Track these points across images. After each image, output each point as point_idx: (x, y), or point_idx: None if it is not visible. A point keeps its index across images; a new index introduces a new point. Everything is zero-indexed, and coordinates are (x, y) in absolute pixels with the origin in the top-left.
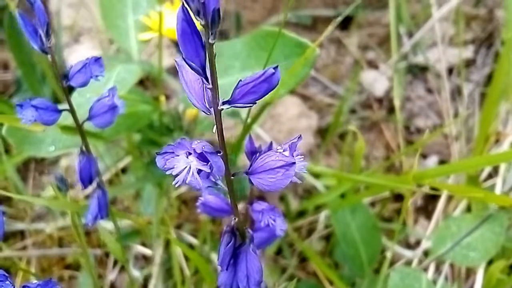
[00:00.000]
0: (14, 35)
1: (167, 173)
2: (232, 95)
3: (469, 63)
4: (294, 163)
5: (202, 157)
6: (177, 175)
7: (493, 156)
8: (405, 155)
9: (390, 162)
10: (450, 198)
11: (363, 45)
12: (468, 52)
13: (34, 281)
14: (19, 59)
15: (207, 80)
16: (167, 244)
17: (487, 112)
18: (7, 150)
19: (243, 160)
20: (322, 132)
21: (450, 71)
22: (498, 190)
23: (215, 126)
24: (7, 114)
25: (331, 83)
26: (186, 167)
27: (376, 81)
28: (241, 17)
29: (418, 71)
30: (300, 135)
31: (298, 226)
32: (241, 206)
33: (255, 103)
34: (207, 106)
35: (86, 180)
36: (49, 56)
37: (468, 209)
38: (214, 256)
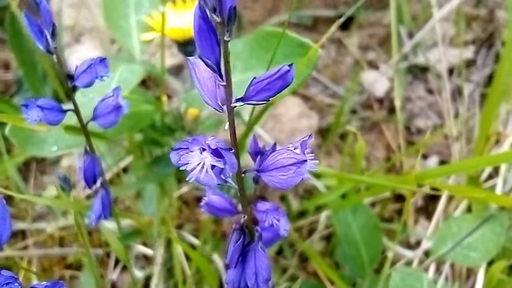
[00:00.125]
0: (15, 35)
1: (181, 168)
2: (246, 92)
3: (470, 64)
4: (305, 160)
5: (215, 153)
6: (191, 170)
7: (494, 157)
8: (406, 155)
9: (391, 162)
10: (450, 199)
11: (364, 45)
12: (468, 53)
13: (43, 282)
14: (21, 59)
15: (221, 77)
16: (168, 244)
17: (487, 113)
18: (8, 150)
19: (245, 160)
20: (322, 132)
21: (450, 71)
22: (498, 190)
23: (227, 124)
24: (8, 113)
25: (331, 83)
26: (200, 163)
27: (377, 82)
28: (241, 17)
29: (418, 72)
30: (311, 134)
31: (299, 226)
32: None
33: (269, 100)
34: (220, 104)
35: (90, 180)
36: (54, 56)
37: (469, 209)
38: (215, 256)
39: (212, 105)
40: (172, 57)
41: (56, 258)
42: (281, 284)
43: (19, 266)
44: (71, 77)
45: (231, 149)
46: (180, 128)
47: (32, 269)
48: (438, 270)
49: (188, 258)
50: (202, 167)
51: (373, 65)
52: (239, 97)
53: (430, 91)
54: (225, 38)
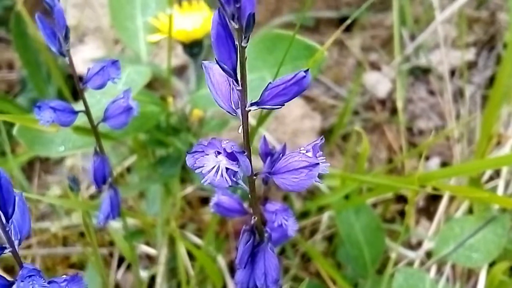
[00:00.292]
0: (20, 35)
1: (196, 171)
2: (261, 96)
3: (471, 66)
4: (318, 164)
5: (230, 156)
6: (206, 173)
7: (497, 159)
8: (407, 156)
9: (394, 164)
10: (451, 200)
11: (366, 47)
12: (470, 55)
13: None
14: (25, 59)
15: (237, 82)
16: (172, 244)
17: (489, 114)
18: (12, 150)
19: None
20: (325, 133)
21: (452, 73)
22: (500, 192)
23: (240, 127)
24: (12, 113)
25: (334, 85)
26: (215, 166)
27: (379, 83)
28: None
29: (420, 73)
30: (323, 137)
31: (301, 227)
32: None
33: (283, 105)
34: (233, 107)
35: (100, 180)
36: (67, 58)
37: (470, 211)
38: (218, 257)
39: (226, 108)
40: (175, 58)
41: (59, 257)
42: (283, 284)
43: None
44: (82, 79)
45: (244, 152)
46: (185, 129)
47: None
48: (440, 271)
49: (191, 258)
50: (217, 170)
51: (375, 67)
52: (254, 101)
53: (431, 93)
54: (243, 44)
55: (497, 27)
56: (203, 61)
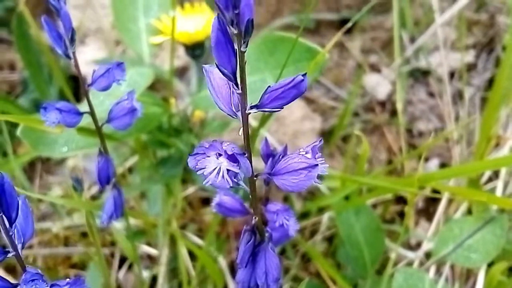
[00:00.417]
0: (22, 36)
1: (198, 173)
2: (260, 100)
3: (471, 68)
4: (317, 165)
5: (231, 158)
6: (208, 175)
7: (496, 160)
8: (407, 158)
9: (393, 165)
10: (450, 201)
11: (366, 49)
12: (469, 57)
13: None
14: (27, 60)
15: (237, 86)
16: (173, 244)
17: (488, 116)
18: (14, 150)
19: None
20: (325, 135)
21: (451, 75)
22: (498, 193)
23: (241, 129)
24: (13, 114)
25: (334, 87)
26: (216, 167)
27: (379, 85)
28: None
29: (420, 75)
30: (321, 139)
31: (302, 227)
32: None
33: (282, 107)
34: (234, 110)
35: (104, 181)
36: (72, 61)
37: (469, 211)
38: (219, 257)
39: (226, 111)
40: (177, 59)
41: (61, 258)
42: (284, 284)
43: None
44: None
45: (244, 154)
46: (187, 130)
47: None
48: (439, 271)
49: (192, 258)
50: (219, 171)
51: (375, 69)
52: (253, 104)
53: (431, 95)
54: (242, 49)
55: (496, 29)
56: (203, 65)
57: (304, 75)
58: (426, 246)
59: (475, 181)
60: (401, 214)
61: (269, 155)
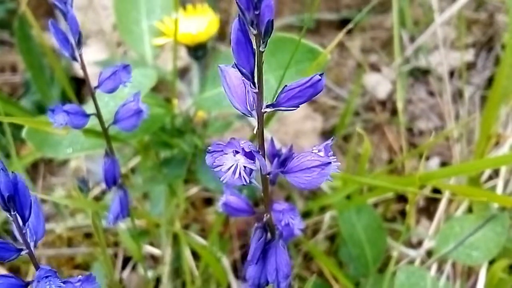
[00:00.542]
0: (24, 38)
1: (215, 170)
2: (277, 98)
3: (470, 66)
4: (329, 163)
5: (248, 155)
6: (225, 172)
7: (496, 159)
8: (408, 157)
9: (394, 164)
10: (451, 199)
11: (366, 48)
12: (469, 56)
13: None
14: (29, 62)
15: (254, 85)
16: (176, 244)
17: (487, 115)
18: (16, 152)
19: None
20: (326, 134)
21: (451, 74)
22: (499, 191)
23: (255, 128)
24: (16, 116)
25: (334, 86)
26: (233, 164)
27: (379, 84)
28: None
29: (420, 74)
30: (334, 137)
31: (304, 227)
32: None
33: (298, 106)
34: (249, 109)
35: (111, 181)
36: (79, 63)
37: (470, 210)
38: (222, 257)
39: (241, 110)
40: (178, 60)
41: (64, 258)
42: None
43: (28, 265)
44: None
45: (259, 152)
46: (190, 131)
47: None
48: (440, 269)
49: (195, 258)
50: (236, 168)
51: (375, 68)
52: (269, 103)
53: (431, 94)
54: (261, 49)
55: (495, 28)
56: (219, 65)
57: (321, 74)
58: (427, 244)
59: (475, 179)
60: (402, 213)
61: (275, 154)
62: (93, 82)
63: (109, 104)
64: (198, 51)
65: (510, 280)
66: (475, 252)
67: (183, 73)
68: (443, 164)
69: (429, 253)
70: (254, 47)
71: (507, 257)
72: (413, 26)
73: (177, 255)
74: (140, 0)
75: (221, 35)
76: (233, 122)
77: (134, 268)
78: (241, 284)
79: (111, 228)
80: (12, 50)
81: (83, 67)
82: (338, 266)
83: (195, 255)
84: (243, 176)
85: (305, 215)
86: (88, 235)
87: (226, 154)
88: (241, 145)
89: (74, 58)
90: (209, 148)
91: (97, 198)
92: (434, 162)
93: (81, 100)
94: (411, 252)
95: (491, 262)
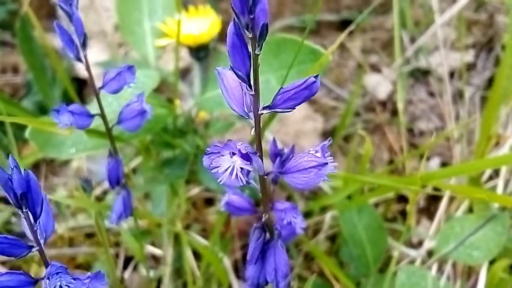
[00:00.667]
0: (26, 39)
1: (212, 171)
2: (273, 100)
3: (470, 67)
4: (326, 163)
5: (245, 157)
6: (222, 173)
7: (497, 158)
8: (408, 157)
9: (395, 164)
10: (451, 200)
11: (367, 49)
12: (469, 56)
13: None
14: (30, 63)
15: (250, 87)
16: (177, 244)
17: (488, 115)
18: (18, 152)
19: None
20: (327, 135)
21: (451, 75)
22: (499, 191)
23: (253, 129)
24: (18, 116)
25: (335, 87)
26: (230, 166)
27: (380, 85)
28: None
29: (420, 75)
30: (330, 138)
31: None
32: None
33: (294, 108)
34: (246, 111)
35: (114, 181)
36: (84, 64)
37: (470, 210)
38: (223, 257)
39: (239, 112)
40: (180, 61)
41: (66, 258)
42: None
43: (29, 265)
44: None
45: (256, 153)
46: (192, 131)
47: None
48: (441, 269)
49: (197, 258)
50: (232, 169)
51: (375, 69)
52: (266, 105)
53: (431, 94)
54: (256, 52)
55: (495, 29)
56: (216, 67)
57: (316, 76)
58: (428, 244)
59: (476, 179)
60: (403, 213)
61: (276, 154)
62: (96, 82)
63: (113, 104)
64: (200, 52)
65: (511, 280)
66: (476, 252)
67: (185, 74)
68: (444, 164)
69: (430, 253)
70: (250, 50)
71: (508, 257)
72: (413, 27)
73: (179, 255)
74: (142, 1)
75: (223, 36)
76: (235, 123)
77: (135, 268)
78: (242, 284)
79: (113, 228)
80: (14, 51)
81: (88, 68)
82: (339, 266)
83: (197, 255)
84: (240, 177)
85: (306, 215)
86: (89, 235)
87: (223, 155)
88: (237, 146)
89: (79, 59)
90: (207, 149)
91: (98, 198)
92: (435, 162)
93: (82, 100)
94: (412, 252)
95: (491, 262)
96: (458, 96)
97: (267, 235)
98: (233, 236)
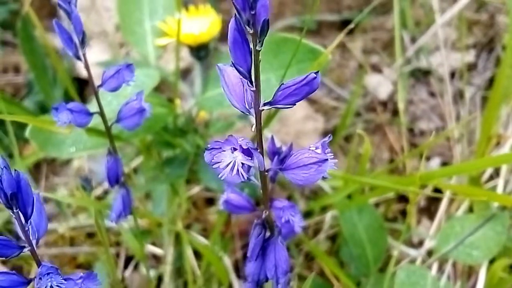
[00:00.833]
0: (27, 39)
1: (214, 167)
2: (274, 96)
3: (471, 67)
4: (326, 159)
5: (246, 152)
6: (223, 168)
7: (497, 158)
8: (409, 157)
9: (395, 164)
10: (452, 199)
11: (367, 49)
12: (470, 57)
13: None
14: (32, 62)
15: (251, 83)
16: (178, 244)
17: (488, 115)
18: (19, 152)
19: None
20: (327, 135)
21: (452, 75)
22: (499, 190)
23: (254, 126)
24: (19, 116)
25: (336, 87)
26: (231, 161)
27: (380, 85)
28: None
29: (421, 75)
30: (330, 135)
31: (305, 226)
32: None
33: (295, 104)
34: (247, 107)
35: (113, 180)
36: (83, 62)
37: (470, 209)
38: (224, 257)
39: (240, 108)
40: (180, 61)
41: (66, 258)
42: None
43: (30, 265)
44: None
45: (257, 149)
46: (192, 130)
47: None
48: (441, 269)
49: (197, 257)
50: (233, 165)
51: (376, 69)
52: (267, 101)
53: (432, 94)
54: (257, 48)
55: (496, 29)
56: (217, 64)
57: (316, 73)
58: (428, 244)
59: (476, 179)
60: (403, 213)
61: (275, 152)
62: (96, 82)
63: (112, 103)
64: (200, 51)
65: (510, 279)
66: (476, 251)
67: (185, 73)
68: (444, 164)
69: (430, 253)
70: (251, 46)
71: (507, 256)
72: (414, 27)
73: (179, 255)
74: (143, 1)
75: (223, 36)
76: (235, 122)
77: (136, 267)
78: (242, 283)
79: (113, 227)
80: (15, 51)
81: (87, 66)
82: (339, 266)
83: (197, 254)
84: (241, 173)
85: (307, 215)
86: (90, 235)
87: (224, 151)
88: (239, 142)
89: (78, 58)
90: (208, 145)
91: (99, 198)
92: (435, 162)
93: (83, 100)
94: (412, 252)
95: (491, 261)
96: (459, 96)
97: (268, 232)
98: (234, 235)
